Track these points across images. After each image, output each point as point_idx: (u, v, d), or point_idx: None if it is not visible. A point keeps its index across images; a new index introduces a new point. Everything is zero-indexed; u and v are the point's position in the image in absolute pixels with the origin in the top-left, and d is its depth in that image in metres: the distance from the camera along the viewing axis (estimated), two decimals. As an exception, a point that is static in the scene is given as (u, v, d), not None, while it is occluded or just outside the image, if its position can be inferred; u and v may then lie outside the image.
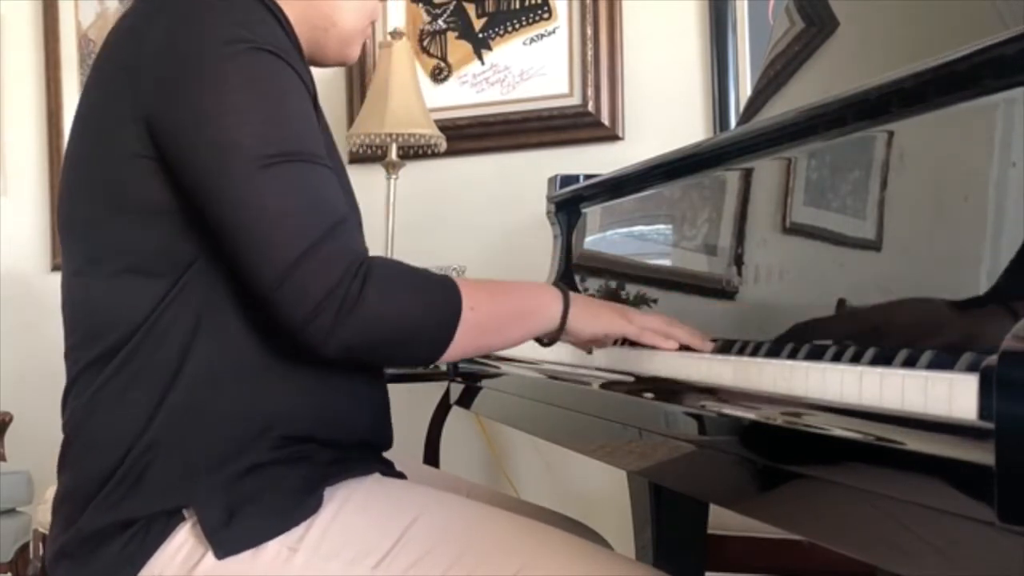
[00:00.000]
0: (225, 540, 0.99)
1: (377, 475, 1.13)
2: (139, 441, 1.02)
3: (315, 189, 1.01)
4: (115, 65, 1.06)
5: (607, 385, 1.15)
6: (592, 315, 1.14)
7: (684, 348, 1.11)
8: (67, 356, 1.11)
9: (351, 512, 1.03)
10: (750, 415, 0.81)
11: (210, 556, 0.99)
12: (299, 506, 1.01)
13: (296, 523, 1.00)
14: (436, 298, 1.04)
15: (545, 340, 1.16)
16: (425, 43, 2.76)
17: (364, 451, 1.14)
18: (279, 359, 1.06)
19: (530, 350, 1.42)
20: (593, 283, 1.64)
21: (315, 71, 1.19)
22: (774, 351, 1.02)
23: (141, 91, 1.02)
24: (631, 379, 1.12)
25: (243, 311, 1.04)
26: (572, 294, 1.14)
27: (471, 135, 2.68)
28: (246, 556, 0.99)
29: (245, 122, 0.99)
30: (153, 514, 1.01)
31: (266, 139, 0.99)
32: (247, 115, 0.99)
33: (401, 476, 1.17)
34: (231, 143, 0.99)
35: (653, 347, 1.11)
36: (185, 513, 1.01)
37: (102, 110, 1.06)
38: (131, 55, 1.04)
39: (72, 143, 1.10)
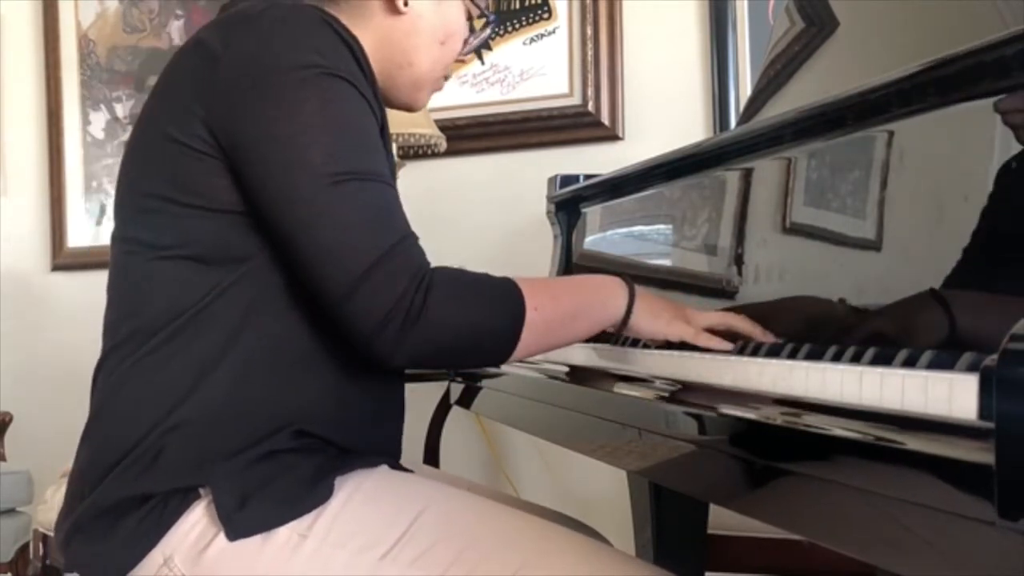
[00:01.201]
0: (237, 523, 1.00)
1: (385, 467, 1.14)
2: (164, 421, 1.04)
3: (381, 206, 1.05)
4: (190, 70, 1.09)
5: (607, 385, 1.15)
6: (654, 315, 1.15)
7: (741, 347, 1.10)
8: (105, 331, 1.13)
9: (360, 502, 1.04)
10: (750, 415, 0.81)
11: (221, 537, 1.00)
12: (310, 494, 1.03)
13: (307, 511, 1.02)
14: (499, 303, 1.07)
15: (610, 330, 1.17)
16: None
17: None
18: (313, 360, 1.08)
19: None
20: (593, 283, 1.64)
21: None
22: (774, 351, 1.02)
23: (213, 101, 1.05)
24: (631, 379, 1.12)
25: (287, 312, 1.07)
26: (638, 289, 1.16)
27: (471, 135, 2.68)
28: (257, 540, 1.00)
29: (316, 141, 1.03)
30: (169, 491, 1.03)
31: (335, 158, 1.03)
32: (318, 135, 1.03)
33: (408, 471, 1.18)
34: (302, 160, 1.02)
35: (707, 350, 1.11)
36: (200, 491, 1.03)
37: (172, 110, 1.09)
38: (206, 65, 1.06)
39: (136, 135, 1.13)
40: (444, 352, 1.05)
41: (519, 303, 1.07)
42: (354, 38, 1.09)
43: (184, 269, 1.07)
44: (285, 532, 1.01)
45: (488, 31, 1.33)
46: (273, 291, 1.07)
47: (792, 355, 0.98)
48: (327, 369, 1.09)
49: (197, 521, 1.02)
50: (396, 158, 2.51)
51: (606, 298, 1.15)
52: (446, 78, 1.30)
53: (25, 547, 2.57)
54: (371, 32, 1.18)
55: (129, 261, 1.12)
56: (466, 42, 1.29)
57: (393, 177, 1.14)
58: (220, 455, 1.03)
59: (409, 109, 1.30)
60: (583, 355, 1.32)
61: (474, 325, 1.05)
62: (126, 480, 1.04)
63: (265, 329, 1.07)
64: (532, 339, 1.08)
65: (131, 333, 1.09)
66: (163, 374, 1.06)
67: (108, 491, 1.04)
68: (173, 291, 1.07)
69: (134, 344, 1.08)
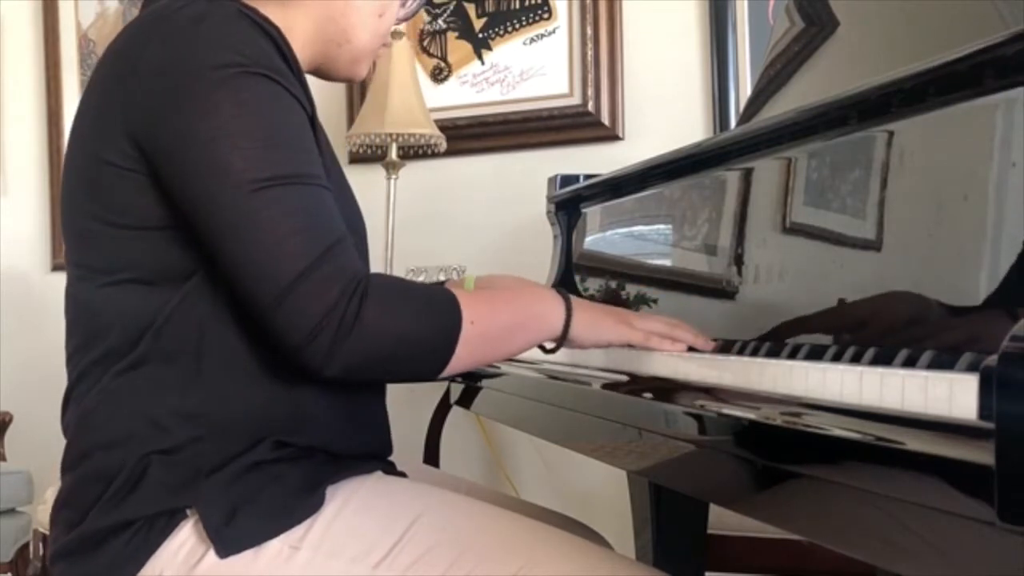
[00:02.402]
0: (227, 539, 0.98)
1: (379, 473, 1.13)
2: (142, 447, 1.02)
3: (310, 210, 1.01)
4: (109, 82, 1.06)
5: (607, 385, 1.15)
6: (594, 323, 1.13)
7: (688, 349, 1.12)
8: (69, 359, 1.11)
9: (353, 511, 1.03)
10: (750, 415, 0.81)
11: (212, 555, 0.98)
12: (301, 504, 1.01)
13: (298, 521, 1.00)
14: (435, 314, 1.03)
15: (549, 347, 1.15)
16: (425, 43, 2.76)
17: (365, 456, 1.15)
18: (283, 367, 1.05)
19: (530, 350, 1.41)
20: (593, 283, 1.64)
21: (312, 77, 1.20)
22: (774, 351, 1.02)
23: (132, 111, 1.02)
24: (631, 379, 1.12)
25: (245, 321, 1.04)
26: (575, 301, 1.13)
27: (471, 135, 2.68)
28: (248, 555, 0.98)
29: (236, 146, 0.99)
30: (155, 513, 1.01)
31: (258, 162, 0.99)
32: (238, 139, 0.99)
33: (402, 475, 1.17)
34: (222, 167, 0.99)
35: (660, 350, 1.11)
36: (187, 511, 1.01)
37: (95, 125, 1.06)
38: (124, 73, 1.04)
39: (69, 154, 1.11)
40: (377, 363, 1.01)
41: (456, 315, 1.04)
42: (276, 28, 1.05)
43: (131, 293, 1.05)
44: (277, 544, 0.99)
45: None
46: (224, 304, 1.04)
47: (792, 355, 0.98)
48: (299, 374, 1.04)
49: (186, 540, 1.00)
50: (395, 157, 2.51)
51: (543, 312, 1.12)
52: (386, 46, 1.26)
53: (25, 547, 2.57)
54: (306, 14, 1.15)
55: (80, 288, 1.10)
56: (402, 6, 1.25)
57: (331, 169, 1.10)
58: (203, 473, 1.01)
59: (350, 80, 1.26)
60: (584, 356, 1.32)
61: (409, 336, 1.02)
62: (110, 508, 1.02)
63: (227, 342, 1.04)
64: (466, 352, 1.05)
65: (93, 363, 1.07)
66: (134, 400, 1.04)
67: (94, 520, 1.02)
68: (126, 317, 1.05)
69: (98, 373, 1.06)
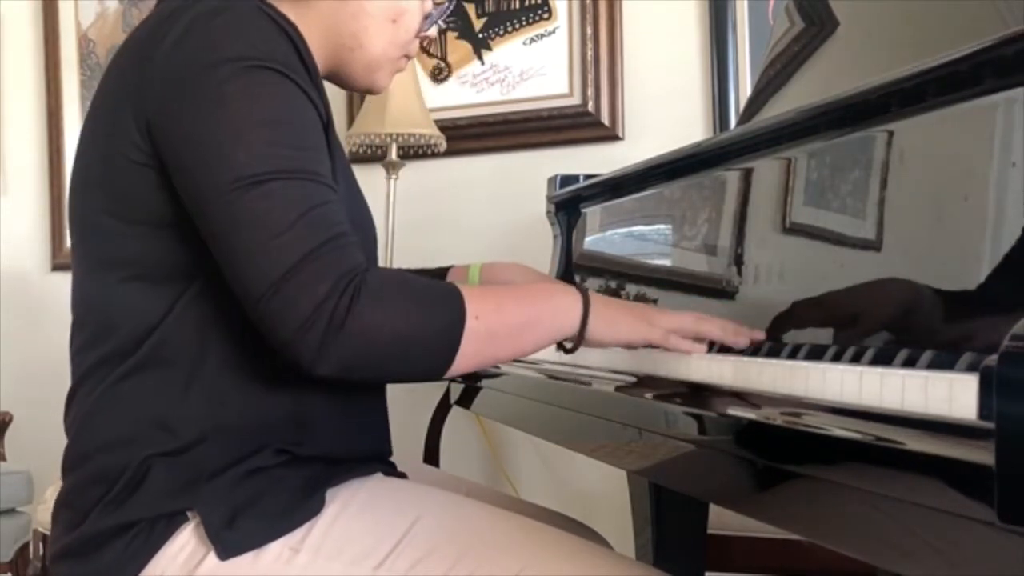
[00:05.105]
0: (228, 541, 0.98)
1: (379, 475, 1.13)
2: (145, 448, 1.02)
3: (309, 206, 0.98)
4: (124, 73, 1.05)
5: (607, 385, 1.15)
6: (612, 322, 1.07)
7: (716, 347, 1.07)
8: (74, 356, 1.10)
9: (353, 513, 1.03)
10: (750, 415, 0.81)
11: (212, 557, 0.98)
12: (301, 507, 1.01)
13: (298, 524, 1.00)
14: (436, 308, 0.99)
15: (568, 346, 1.09)
16: (425, 43, 2.76)
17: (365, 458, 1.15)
18: (285, 372, 1.03)
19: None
20: (593, 283, 1.64)
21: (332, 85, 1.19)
22: (774, 351, 1.02)
23: (146, 100, 1.01)
24: (631, 379, 1.12)
25: (249, 328, 1.02)
26: (594, 297, 1.07)
27: (471, 135, 2.68)
28: (248, 557, 0.99)
29: (241, 140, 0.97)
30: (156, 516, 1.01)
31: (261, 157, 0.97)
32: (244, 132, 0.97)
33: (402, 476, 1.17)
34: (225, 160, 0.97)
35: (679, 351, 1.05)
36: (188, 514, 1.01)
37: (109, 118, 1.05)
38: (140, 64, 1.03)
39: (81, 146, 1.10)
40: (372, 361, 0.97)
41: (459, 310, 0.99)
42: (295, 28, 1.03)
43: (140, 290, 1.04)
44: (277, 547, 0.99)
45: (449, 5, 1.25)
46: (227, 308, 1.02)
47: (792, 355, 0.98)
48: (301, 380, 1.02)
49: (187, 542, 1.00)
50: (395, 157, 2.51)
51: (558, 308, 1.06)
52: (408, 57, 1.22)
53: (25, 547, 2.57)
54: (316, 17, 1.13)
55: (88, 283, 1.09)
56: (426, 18, 1.21)
57: (337, 175, 1.06)
58: (205, 476, 1.01)
59: (369, 91, 1.23)
60: (584, 355, 1.32)
61: (408, 331, 0.96)
62: (112, 509, 1.02)
63: (229, 347, 1.04)
64: (473, 350, 0.99)
65: (100, 360, 1.06)
66: (137, 401, 1.04)
67: (95, 521, 1.02)
68: (133, 314, 1.04)
69: (103, 373, 1.06)
